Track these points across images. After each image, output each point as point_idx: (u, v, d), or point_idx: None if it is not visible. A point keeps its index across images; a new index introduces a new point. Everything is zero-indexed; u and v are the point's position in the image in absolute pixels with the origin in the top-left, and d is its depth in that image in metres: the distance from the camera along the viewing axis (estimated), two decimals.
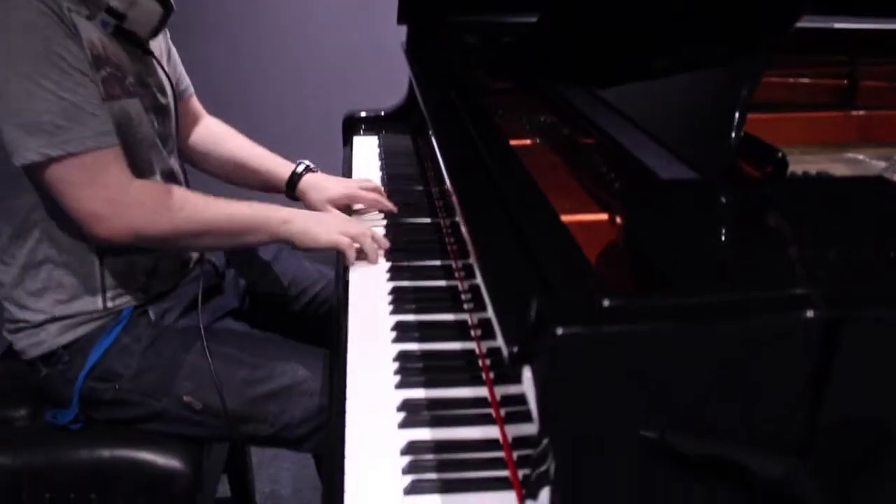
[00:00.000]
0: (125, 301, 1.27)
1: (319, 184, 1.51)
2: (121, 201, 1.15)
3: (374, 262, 1.27)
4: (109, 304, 1.25)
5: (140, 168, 1.25)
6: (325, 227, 1.27)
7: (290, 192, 1.52)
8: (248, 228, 1.24)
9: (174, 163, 1.36)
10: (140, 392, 1.24)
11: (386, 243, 1.31)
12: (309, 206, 1.51)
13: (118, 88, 1.20)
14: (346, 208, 1.49)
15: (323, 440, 1.21)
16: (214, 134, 1.55)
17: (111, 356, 1.23)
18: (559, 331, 0.57)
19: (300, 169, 1.52)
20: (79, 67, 1.11)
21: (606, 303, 0.60)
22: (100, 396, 1.24)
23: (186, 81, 1.49)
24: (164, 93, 1.32)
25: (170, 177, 1.34)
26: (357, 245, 1.28)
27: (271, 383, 1.22)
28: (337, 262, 1.35)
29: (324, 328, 1.44)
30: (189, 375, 1.23)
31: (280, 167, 1.53)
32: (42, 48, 1.08)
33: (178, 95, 1.44)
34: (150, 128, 1.28)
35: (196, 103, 1.54)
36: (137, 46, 1.25)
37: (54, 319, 1.23)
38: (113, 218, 1.14)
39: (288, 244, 1.28)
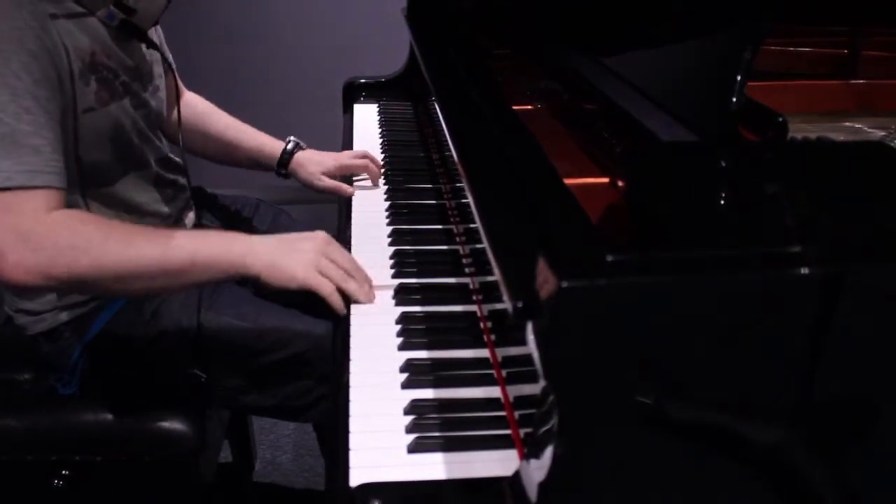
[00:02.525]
0: None
1: (311, 158, 1.51)
2: (29, 234, 0.99)
3: (369, 300, 1.08)
4: None
5: (134, 163, 1.24)
6: (298, 261, 1.05)
7: (280, 169, 1.52)
8: (195, 266, 1.04)
9: (168, 148, 1.34)
10: (142, 363, 1.25)
11: (367, 278, 1.10)
12: (301, 182, 1.51)
13: (107, 93, 1.16)
14: (347, 179, 1.50)
15: (324, 411, 1.23)
16: (198, 111, 1.54)
17: (113, 330, 1.24)
18: (564, 283, 0.58)
19: (290, 146, 1.51)
20: (36, 94, 1.02)
21: (610, 257, 0.61)
22: (102, 369, 1.25)
23: (169, 56, 1.46)
24: (159, 76, 1.30)
25: (166, 164, 1.33)
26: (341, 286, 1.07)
27: (274, 354, 1.23)
28: (338, 229, 1.37)
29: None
30: (192, 346, 1.23)
31: (267, 144, 1.52)
32: None
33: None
34: (144, 121, 1.25)
35: (175, 78, 1.51)
36: (140, 39, 1.21)
37: (56, 308, 1.23)
38: (16, 253, 0.98)
39: (249, 281, 1.09)
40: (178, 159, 1.37)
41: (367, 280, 1.11)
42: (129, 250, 1.02)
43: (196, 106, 1.55)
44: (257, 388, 1.24)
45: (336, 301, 1.06)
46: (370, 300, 1.08)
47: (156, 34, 1.34)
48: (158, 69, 1.31)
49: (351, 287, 1.07)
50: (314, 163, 1.50)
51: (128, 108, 1.21)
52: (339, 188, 1.46)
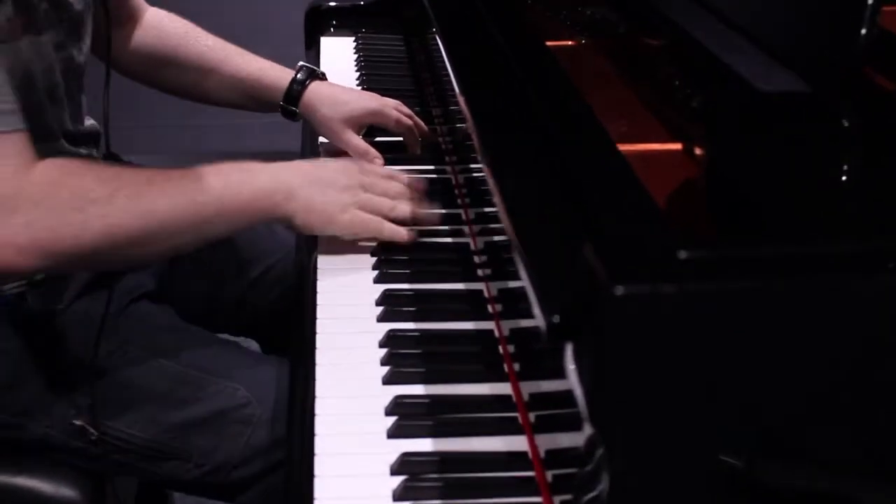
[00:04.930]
0: None
1: (334, 95, 1.48)
2: (13, 201, 1.04)
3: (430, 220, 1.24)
4: None
5: (36, 130, 1.25)
6: (336, 200, 1.18)
7: (287, 108, 1.51)
8: (222, 215, 1.14)
9: (87, 110, 1.35)
10: (11, 411, 1.25)
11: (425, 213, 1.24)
12: (318, 128, 1.50)
13: (24, 19, 1.15)
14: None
15: (272, 489, 1.23)
16: (167, 32, 1.54)
17: None
18: (619, 290, 0.59)
19: (302, 74, 1.49)
20: None
21: (683, 254, 0.61)
22: None
23: None
24: (86, 9, 1.30)
25: (74, 137, 1.33)
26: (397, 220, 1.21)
27: (200, 406, 1.24)
28: None
29: (277, 321, 1.46)
30: (82, 389, 1.23)
31: (270, 72, 1.52)
32: None
33: None
34: (61, 72, 1.25)
35: None
36: None
37: None
38: (2, 228, 1.04)
39: (283, 226, 1.22)
40: (91, 122, 1.38)
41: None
42: (143, 204, 1.09)
43: (165, 26, 1.55)
44: (176, 452, 1.25)
45: (391, 233, 1.19)
46: (432, 220, 1.24)
47: None
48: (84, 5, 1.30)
49: (401, 211, 1.21)
50: (339, 102, 1.48)
51: (46, 49, 1.21)
52: (368, 152, 1.43)
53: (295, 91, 1.49)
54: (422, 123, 1.50)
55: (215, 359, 1.27)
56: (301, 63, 1.52)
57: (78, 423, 1.23)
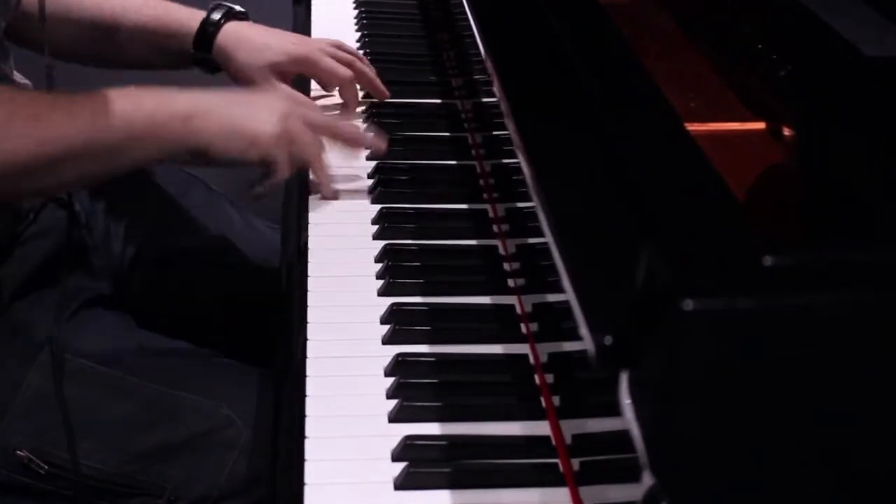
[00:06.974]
0: None
1: (252, 39, 1.51)
2: None
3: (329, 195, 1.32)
4: None
5: None
6: (265, 120, 1.24)
7: (201, 54, 1.53)
8: (132, 140, 1.19)
9: (11, 69, 1.37)
10: None
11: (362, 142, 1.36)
12: (236, 77, 1.52)
13: None
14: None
15: None
16: None
17: None
18: (689, 304, 0.59)
19: (217, 15, 1.51)
20: None
21: (769, 260, 0.62)
22: None
23: None
24: None
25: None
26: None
27: (174, 428, 1.25)
28: (287, 212, 1.37)
29: (258, 340, 1.46)
30: (25, 414, 1.25)
31: (177, 13, 1.53)
32: None
33: None
34: None
35: None
36: None
37: None
38: None
39: (195, 157, 1.25)
40: (25, 81, 1.39)
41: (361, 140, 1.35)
42: (44, 130, 1.14)
43: None
44: (144, 486, 1.26)
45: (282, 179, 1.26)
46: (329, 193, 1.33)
47: None
48: None
49: (322, 176, 1.29)
50: (259, 46, 1.50)
51: None
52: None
53: (208, 33, 1.51)
54: (374, 78, 1.53)
55: (189, 373, 1.29)
56: (216, 1, 1.53)
57: (22, 454, 1.25)
